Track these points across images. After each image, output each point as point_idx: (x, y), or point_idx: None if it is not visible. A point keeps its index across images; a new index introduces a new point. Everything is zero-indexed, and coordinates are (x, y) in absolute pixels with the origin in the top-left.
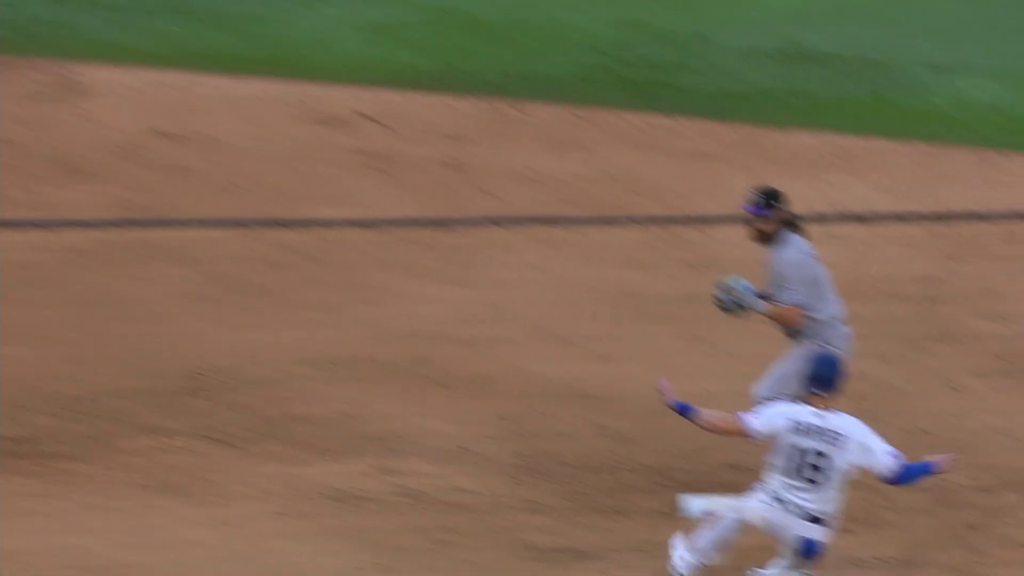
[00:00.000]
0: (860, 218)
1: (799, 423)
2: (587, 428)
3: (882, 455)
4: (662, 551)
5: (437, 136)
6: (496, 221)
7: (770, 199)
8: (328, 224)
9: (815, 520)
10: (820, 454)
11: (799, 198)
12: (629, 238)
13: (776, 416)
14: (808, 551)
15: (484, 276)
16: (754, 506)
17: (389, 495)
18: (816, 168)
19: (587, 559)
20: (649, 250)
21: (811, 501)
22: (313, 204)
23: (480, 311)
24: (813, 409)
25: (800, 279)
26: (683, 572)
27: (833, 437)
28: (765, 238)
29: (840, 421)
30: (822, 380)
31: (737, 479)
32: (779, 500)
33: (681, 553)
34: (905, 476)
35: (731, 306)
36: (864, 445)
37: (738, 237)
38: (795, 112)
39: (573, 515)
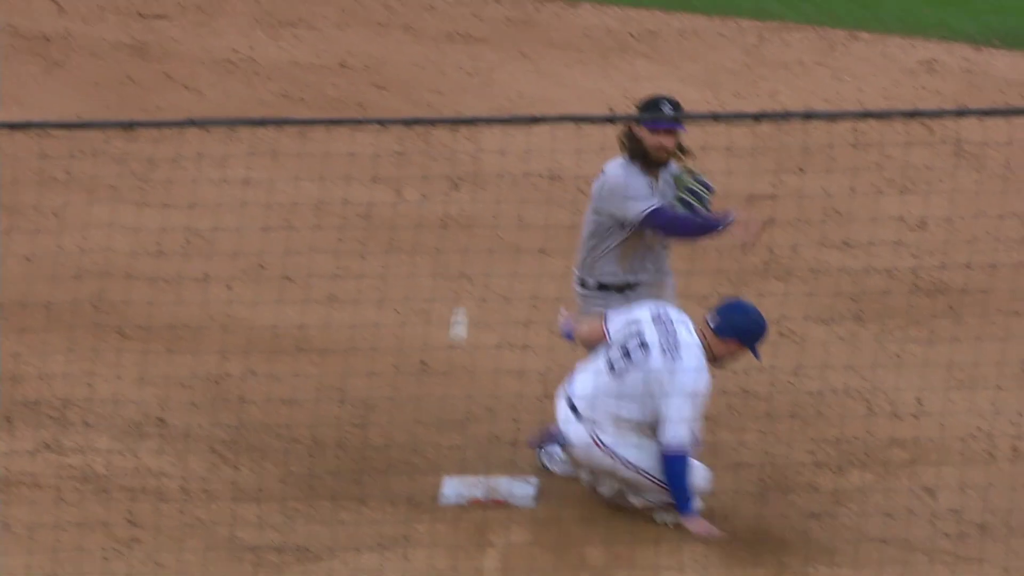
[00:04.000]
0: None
1: (661, 313)
2: (316, 392)
3: (674, 425)
4: (415, 548)
5: (118, 11)
6: (196, 123)
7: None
8: None
9: (573, 409)
10: (644, 346)
11: (591, 94)
12: (370, 145)
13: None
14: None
15: (180, 195)
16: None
17: (60, 480)
18: (612, 55)
19: (313, 560)
20: (396, 161)
21: (593, 387)
22: None
23: (176, 241)
24: (691, 325)
25: None
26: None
27: (673, 347)
28: (668, 159)
29: (691, 348)
30: (750, 334)
31: (507, 456)
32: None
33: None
34: (669, 467)
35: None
36: (678, 392)
37: (513, 145)
38: None
39: (297, 504)
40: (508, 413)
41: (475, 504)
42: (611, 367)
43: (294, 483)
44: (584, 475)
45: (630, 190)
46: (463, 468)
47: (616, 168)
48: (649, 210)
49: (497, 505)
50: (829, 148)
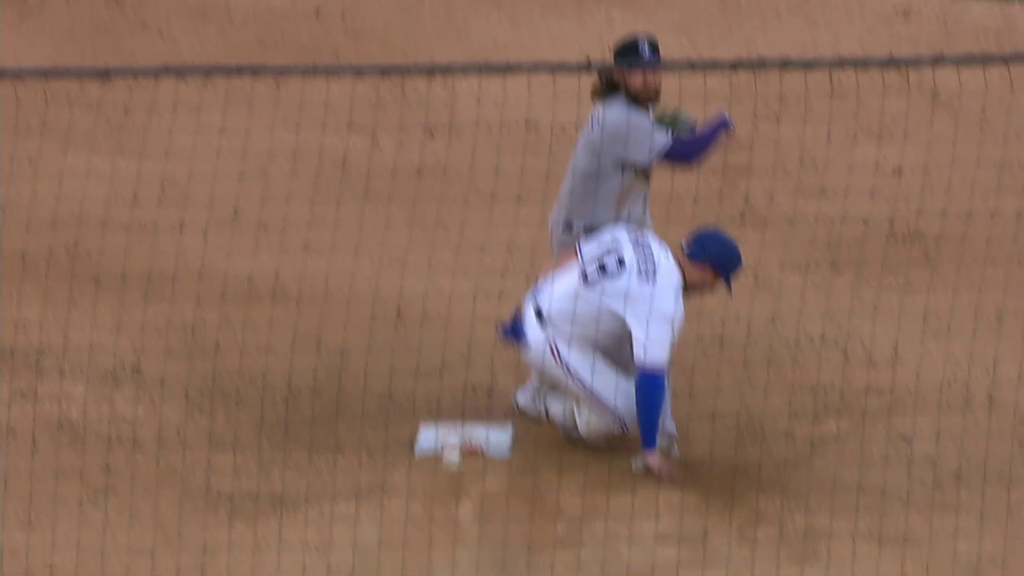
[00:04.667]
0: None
1: (640, 237)
2: (291, 340)
3: (652, 345)
4: (391, 497)
5: None
6: (171, 71)
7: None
8: None
9: (539, 314)
10: (621, 263)
11: (566, 42)
12: (344, 93)
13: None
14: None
15: (155, 143)
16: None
17: (35, 429)
18: (587, 2)
19: (289, 509)
20: (370, 109)
21: (562, 296)
22: None
23: (151, 189)
24: (669, 252)
25: None
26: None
27: (650, 271)
28: (657, 96)
29: (668, 273)
30: (724, 260)
31: (483, 404)
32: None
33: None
34: (643, 388)
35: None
36: (655, 315)
37: (489, 93)
38: None
39: (272, 453)
40: (484, 362)
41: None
42: (584, 278)
43: (269, 432)
44: (540, 404)
45: (640, 131)
46: (439, 417)
47: (617, 112)
48: (667, 145)
49: (473, 454)
50: (805, 96)
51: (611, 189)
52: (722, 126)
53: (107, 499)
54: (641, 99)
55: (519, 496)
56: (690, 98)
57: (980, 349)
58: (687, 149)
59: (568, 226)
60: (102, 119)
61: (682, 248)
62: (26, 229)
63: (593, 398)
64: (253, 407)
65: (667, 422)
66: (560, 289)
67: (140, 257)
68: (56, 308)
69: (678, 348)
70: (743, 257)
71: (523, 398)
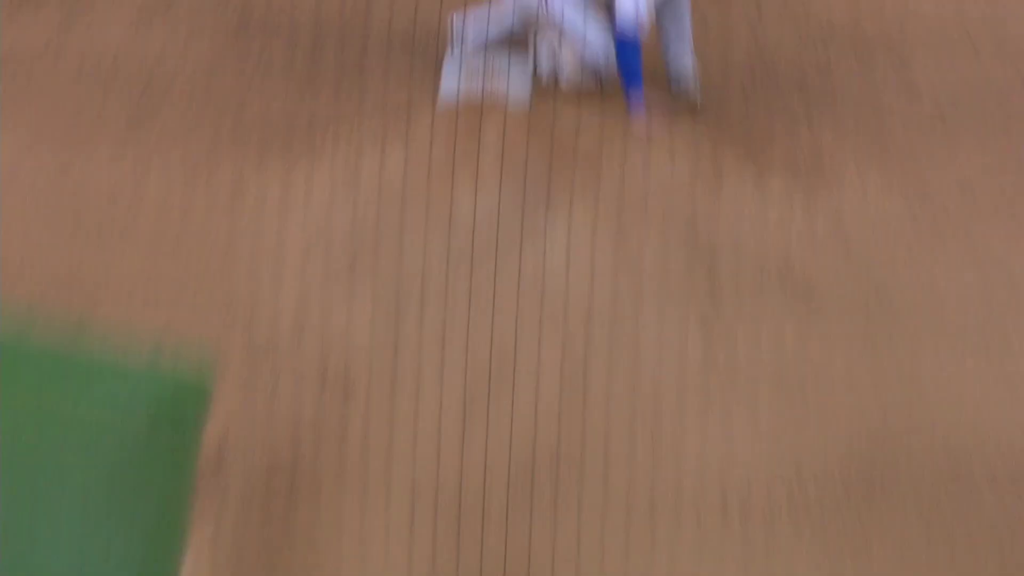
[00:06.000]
0: None
1: None
2: None
3: (625, 5)
4: (416, 113)
5: None
6: None
7: None
8: None
9: None
10: None
11: None
12: None
13: None
14: None
15: None
16: None
17: (66, 69)
18: None
19: (321, 124)
20: None
21: None
22: None
23: None
24: None
25: None
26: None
27: None
28: None
29: None
30: None
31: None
32: None
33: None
34: (619, 48)
35: None
36: None
37: None
38: None
39: (307, 76)
40: None
41: (472, 102)
42: None
43: (308, 55)
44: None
45: None
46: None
47: None
48: None
49: (493, 102)
50: None
51: None
52: None
53: (139, 138)
54: None
55: (538, 141)
56: None
57: None
58: None
59: None
60: None
61: None
62: None
63: (577, 46)
64: (286, 37)
65: (686, 59)
66: None
67: None
68: None
69: None
70: None
71: (469, 39)
